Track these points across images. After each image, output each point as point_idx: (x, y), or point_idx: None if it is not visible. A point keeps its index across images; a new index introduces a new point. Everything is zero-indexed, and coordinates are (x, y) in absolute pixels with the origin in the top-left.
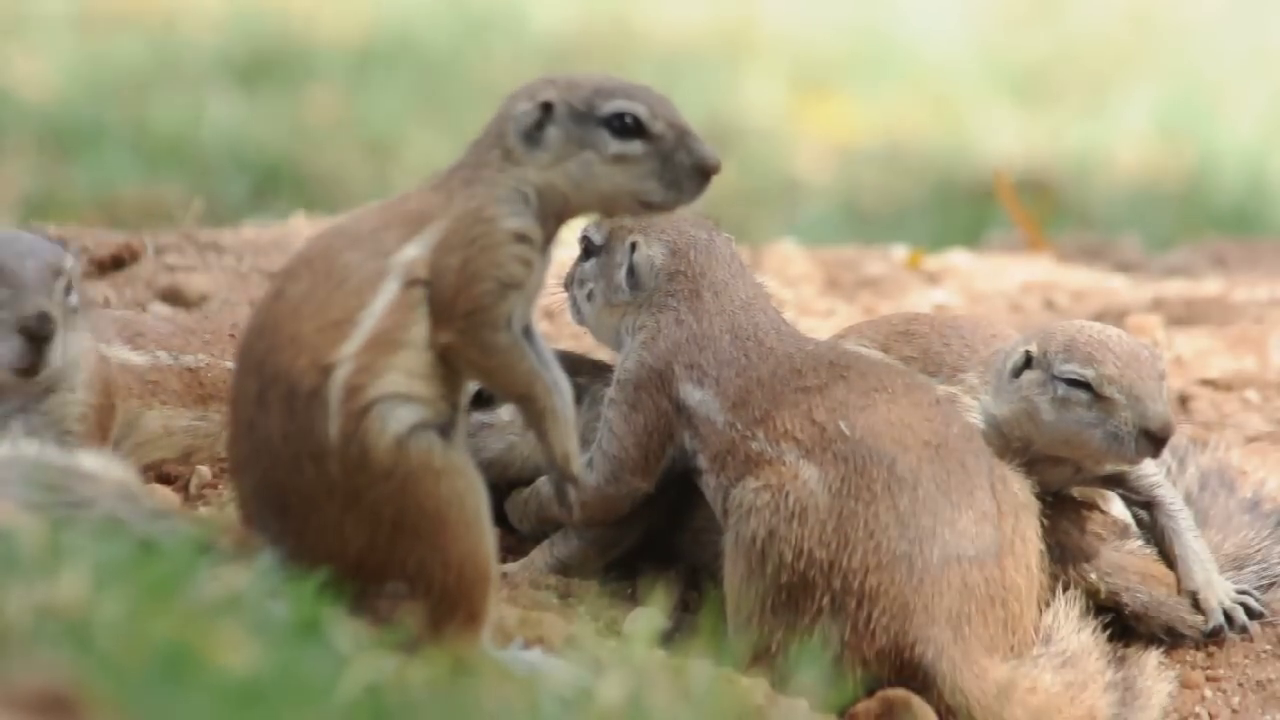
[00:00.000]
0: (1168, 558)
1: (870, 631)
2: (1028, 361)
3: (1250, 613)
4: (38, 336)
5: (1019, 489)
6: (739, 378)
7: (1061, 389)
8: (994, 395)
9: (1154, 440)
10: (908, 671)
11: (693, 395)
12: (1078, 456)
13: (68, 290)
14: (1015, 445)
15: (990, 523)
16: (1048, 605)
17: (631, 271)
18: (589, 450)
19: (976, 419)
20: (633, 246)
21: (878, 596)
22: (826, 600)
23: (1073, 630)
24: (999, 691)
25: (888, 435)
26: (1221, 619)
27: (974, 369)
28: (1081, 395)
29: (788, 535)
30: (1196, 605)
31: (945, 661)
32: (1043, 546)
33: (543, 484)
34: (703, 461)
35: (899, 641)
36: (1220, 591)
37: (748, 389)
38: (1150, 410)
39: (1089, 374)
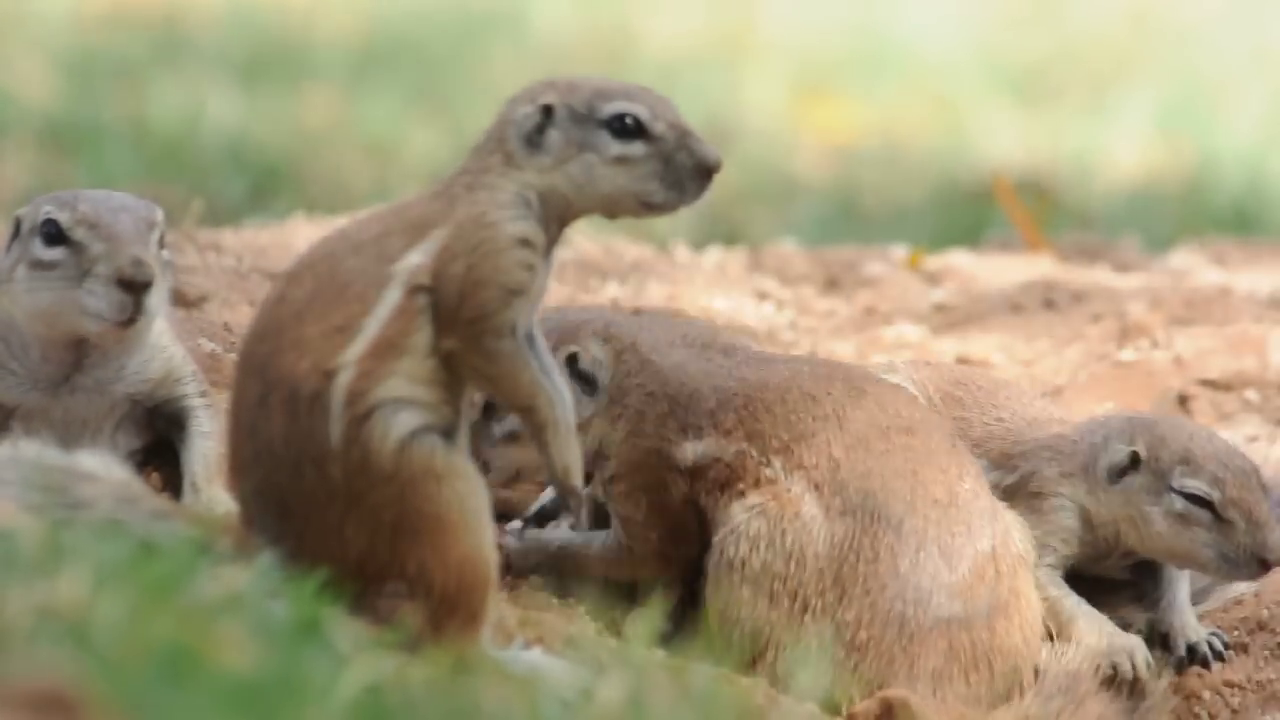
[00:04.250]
0: (1156, 599)
1: (853, 677)
2: (1133, 461)
3: (1214, 651)
4: (136, 285)
5: (1019, 540)
6: (742, 410)
7: (1180, 504)
8: (1088, 493)
9: (1265, 566)
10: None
11: (694, 450)
12: (1178, 565)
13: (160, 244)
14: (1103, 545)
15: (986, 584)
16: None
17: (585, 379)
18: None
19: (1070, 520)
20: (572, 358)
21: (866, 649)
22: (814, 641)
23: (1065, 657)
24: None
25: (900, 492)
26: (1184, 651)
27: (1041, 459)
28: (1203, 515)
29: (782, 573)
30: (1165, 643)
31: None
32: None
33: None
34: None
35: (875, 690)
36: (1191, 632)
37: (756, 417)
38: (1270, 540)
39: (1215, 496)
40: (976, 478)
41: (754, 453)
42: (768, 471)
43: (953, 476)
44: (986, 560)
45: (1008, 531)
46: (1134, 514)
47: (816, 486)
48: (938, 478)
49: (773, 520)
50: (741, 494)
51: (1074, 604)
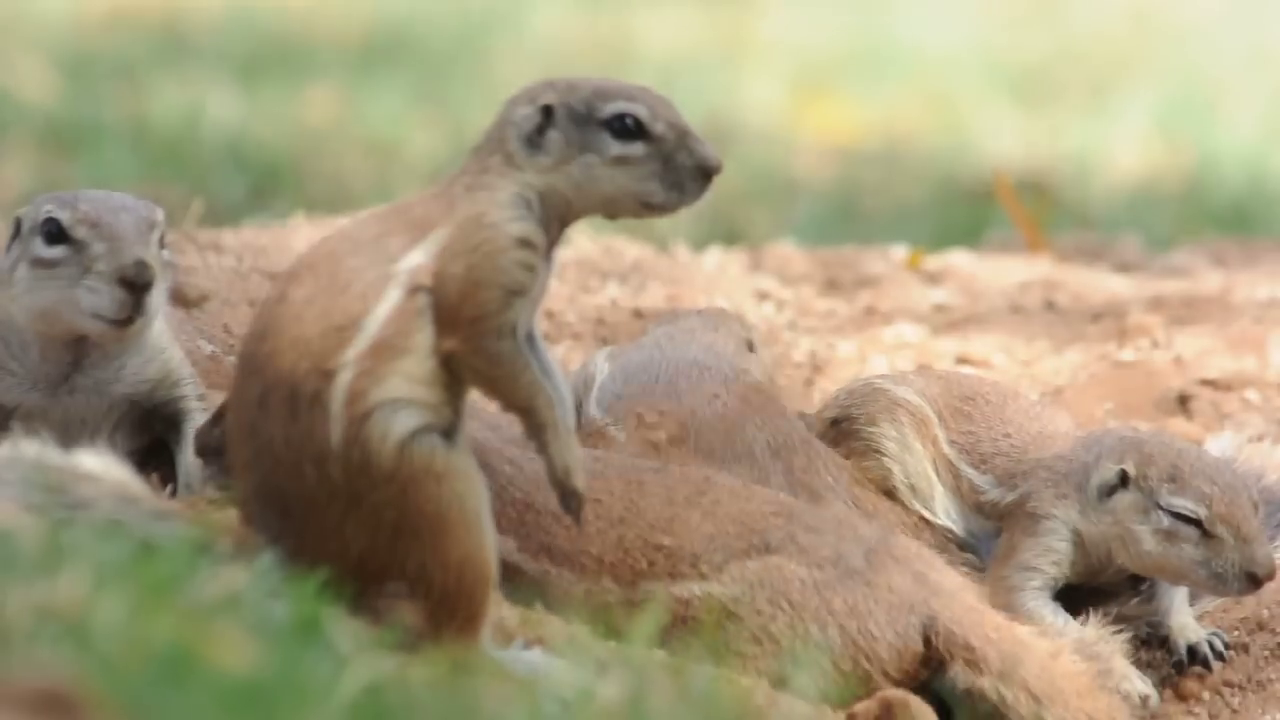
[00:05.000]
0: (1155, 601)
1: (875, 639)
2: (1122, 480)
3: (1215, 651)
4: (137, 285)
5: (826, 469)
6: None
7: (1168, 521)
8: (1081, 514)
9: (1255, 582)
10: (924, 646)
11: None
12: (1170, 582)
13: (160, 244)
14: (1096, 564)
15: (861, 517)
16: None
17: None
18: None
19: (1062, 543)
20: None
21: (856, 612)
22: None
23: (1102, 637)
24: (1002, 630)
25: (745, 529)
26: (1184, 653)
27: (1039, 479)
28: (1190, 532)
29: (730, 640)
30: (1164, 644)
31: (936, 608)
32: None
33: None
34: None
35: (897, 630)
36: (1190, 632)
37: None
38: (1259, 555)
39: (1201, 513)
40: (778, 475)
41: (599, 587)
42: (632, 595)
43: (770, 491)
44: (839, 504)
45: (855, 489)
46: (1123, 532)
47: (675, 576)
48: (766, 500)
49: (702, 611)
50: (629, 615)
51: (1063, 623)
